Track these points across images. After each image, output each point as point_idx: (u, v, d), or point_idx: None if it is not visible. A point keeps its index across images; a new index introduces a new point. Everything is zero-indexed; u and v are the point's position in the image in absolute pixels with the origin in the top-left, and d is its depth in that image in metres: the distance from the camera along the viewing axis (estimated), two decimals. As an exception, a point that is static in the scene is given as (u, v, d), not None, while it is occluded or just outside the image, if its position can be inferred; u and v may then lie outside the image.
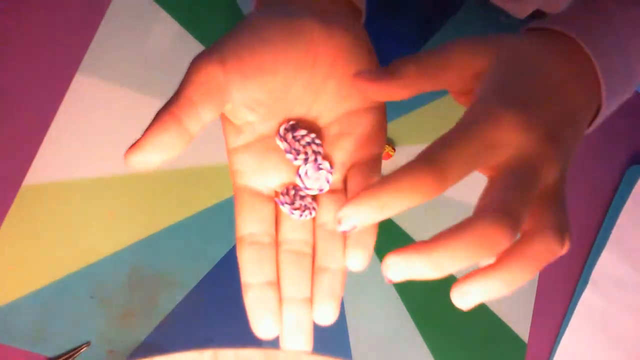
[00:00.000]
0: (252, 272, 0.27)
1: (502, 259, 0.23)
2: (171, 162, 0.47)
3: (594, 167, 0.53)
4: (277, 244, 0.29)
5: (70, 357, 0.42)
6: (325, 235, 0.28)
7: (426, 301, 0.46)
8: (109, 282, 0.44)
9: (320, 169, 0.29)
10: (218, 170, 0.47)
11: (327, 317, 0.27)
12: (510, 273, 0.22)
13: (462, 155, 0.23)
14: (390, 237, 0.47)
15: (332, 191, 0.30)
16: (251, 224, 0.28)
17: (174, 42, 0.50)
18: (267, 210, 0.29)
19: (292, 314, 0.27)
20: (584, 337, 0.48)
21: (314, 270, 0.28)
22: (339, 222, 0.24)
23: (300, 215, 0.28)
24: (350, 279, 0.47)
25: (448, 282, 0.50)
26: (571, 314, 0.48)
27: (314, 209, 0.29)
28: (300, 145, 0.29)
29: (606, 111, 0.30)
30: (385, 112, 0.31)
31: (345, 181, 0.30)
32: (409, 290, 0.47)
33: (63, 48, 0.48)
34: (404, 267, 0.22)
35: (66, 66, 0.48)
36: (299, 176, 0.29)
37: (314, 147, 0.29)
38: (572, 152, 0.26)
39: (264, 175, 0.29)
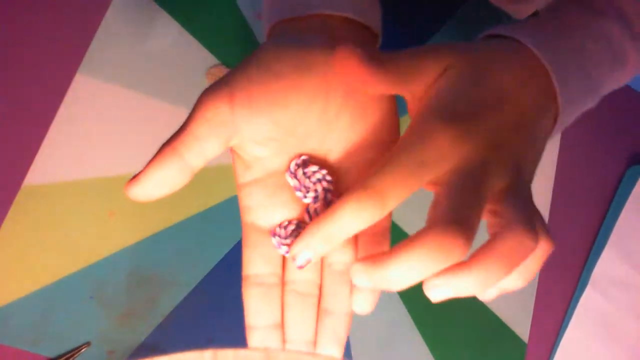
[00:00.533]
0: (257, 314, 0.27)
1: (473, 256, 0.22)
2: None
3: (594, 167, 0.53)
4: (283, 283, 0.28)
5: (70, 357, 0.42)
6: (333, 276, 0.28)
7: (426, 301, 0.46)
8: (109, 283, 0.44)
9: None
10: (218, 171, 0.47)
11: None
12: (481, 270, 0.22)
13: (398, 177, 0.23)
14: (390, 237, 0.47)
15: None
16: (258, 264, 0.28)
17: (174, 42, 0.50)
18: (275, 250, 0.28)
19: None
20: (584, 337, 0.48)
21: (319, 311, 0.28)
22: (293, 259, 0.24)
23: (287, 253, 0.28)
24: (350, 279, 0.47)
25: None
26: (571, 314, 0.48)
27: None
28: (311, 182, 0.28)
29: (566, 119, 0.29)
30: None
31: None
32: (409, 291, 0.47)
33: (63, 48, 0.48)
34: (364, 277, 0.22)
35: (66, 66, 0.48)
36: (307, 213, 0.28)
37: (325, 184, 0.28)
38: (524, 155, 0.26)
39: (272, 212, 0.28)
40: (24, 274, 0.43)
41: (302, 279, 0.28)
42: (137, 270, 0.44)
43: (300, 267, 0.25)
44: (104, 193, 0.46)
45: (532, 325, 0.47)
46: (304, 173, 0.28)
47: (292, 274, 0.28)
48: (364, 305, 0.27)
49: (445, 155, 0.24)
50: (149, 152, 0.50)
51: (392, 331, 0.46)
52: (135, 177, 0.25)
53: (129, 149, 0.47)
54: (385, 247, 0.28)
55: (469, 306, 0.47)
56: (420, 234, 0.22)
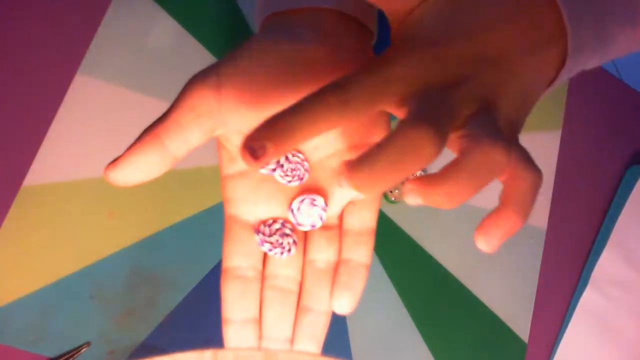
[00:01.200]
0: (234, 307, 0.26)
1: (442, 170, 0.22)
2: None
3: (594, 167, 0.53)
4: (263, 278, 0.28)
5: (70, 357, 0.42)
6: (314, 274, 0.28)
7: (426, 301, 0.46)
8: (109, 283, 0.44)
9: (314, 205, 0.28)
10: (218, 171, 0.47)
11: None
12: (450, 184, 0.21)
13: (364, 86, 0.22)
14: (390, 237, 0.47)
15: (325, 227, 0.29)
16: (237, 257, 0.27)
17: (174, 42, 0.50)
18: (255, 244, 0.28)
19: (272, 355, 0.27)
20: (584, 337, 0.48)
21: (298, 308, 0.27)
22: (246, 146, 0.21)
23: (270, 250, 0.27)
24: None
25: (448, 282, 0.50)
26: (571, 314, 0.48)
27: (288, 250, 0.28)
28: (293, 165, 0.28)
29: (572, 66, 0.26)
30: None
31: (341, 217, 0.29)
32: (409, 290, 0.47)
33: (63, 48, 0.48)
34: (348, 178, 0.21)
35: (66, 66, 0.48)
36: (291, 211, 0.28)
37: (306, 165, 0.28)
38: (499, 90, 0.24)
39: (255, 206, 0.28)
40: (24, 274, 0.43)
41: (282, 274, 0.28)
42: (137, 270, 0.44)
43: (255, 158, 0.21)
44: (104, 193, 0.46)
45: (532, 325, 0.47)
46: (287, 158, 0.28)
47: (273, 269, 0.28)
48: (344, 305, 0.26)
49: (410, 77, 0.23)
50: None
51: (392, 331, 0.46)
52: (115, 160, 0.25)
53: (129, 149, 0.47)
54: (369, 247, 0.28)
55: (469, 306, 0.47)
56: (392, 134, 0.21)
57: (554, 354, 0.47)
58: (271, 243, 0.27)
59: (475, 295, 0.47)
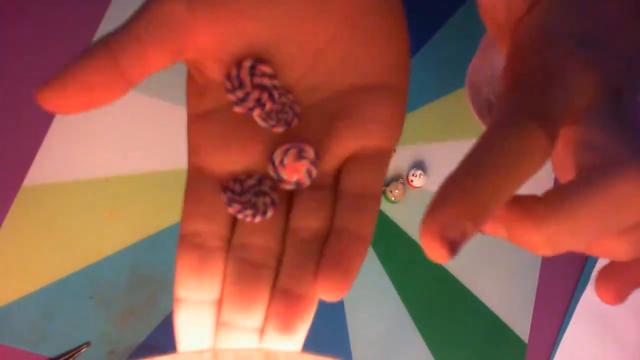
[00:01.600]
0: (189, 284, 0.20)
1: (547, 199, 0.16)
2: (171, 163, 0.47)
3: (594, 167, 0.53)
4: (230, 248, 0.22)
5: (70, 357, 0.42)
6: (296, 246, 0.21)
7: (426, 301, 0.46)
8: (109, 283, 0.44)
9: (302, 157, 0.22)
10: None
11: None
12: (564, 218, 0.15)
13: (569, 99, 0.17)
14: (390, 237, 0.47)
15: (315, 187, 0.22)
16: (198, 220, 0.21)
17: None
18: (223, 205, 0.22)
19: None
20: (584, 337, 0.48)
21: (273, 290, 0.21)
22: (440, 236, 0.15)
23: (238, 212, 0.21)
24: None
25: (448, 282, 0.50)
26: (571, 314, 0.48)
27: (263, 213, 0.22)
28: (253, 83, 0.21)
29: None
30: (406, 96, 0.23)
31: (337, 177, 0.22)
32: (409, 290, 0.47)
33: (63, 48, 0.48)
34: (538, 228, 0.16)
35: (66, 66, 0.48)
36: (272, 164, 0.22)
37: (267, 81, 0.22)
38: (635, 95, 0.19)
39: (226, 155, 0.22)
40: (24, 274, 0.43)
41: (254, 244, 0.21)
42: (137, 270, 0.44)
43: (451, 249, 0.15)
44: (104, 193, 0.46)
45: (532, 325, 0.47)
46: (252, 72, 0.22)
47: (243, 237, 0.21)
48: (332, 289, 0.20)
49: (577, 86, 0.18)
50: (149, 152, 0.50)
51: (392, 331, 0.46)
52: (52, 79, 0.19)
53: (128, 149, 0.47)
54: (372, 217, 0.21)
55: (469, 306, 0.47)
56: (597, 175, 0.15)
57: (554, 354, 0.47)
58: (241, 203, 0.21)
59: (475, 295, 0.47)
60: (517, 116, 0.16)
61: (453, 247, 0.15)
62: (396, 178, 0.48)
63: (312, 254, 0.21)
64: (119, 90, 0.20)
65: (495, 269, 0.48)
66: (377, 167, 0.22)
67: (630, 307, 0.49)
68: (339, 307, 0.45)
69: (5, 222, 0.44)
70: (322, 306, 0.48)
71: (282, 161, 0.22)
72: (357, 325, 0.45)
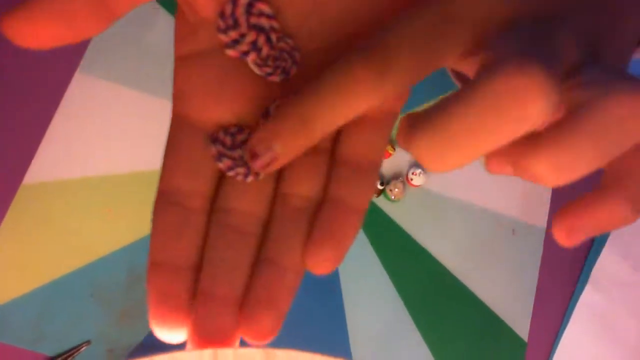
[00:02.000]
0: (165, 246, 0.18)
1: (551, 131, 0.15)
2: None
3: (594, 167, 0.53)
4: (213, 210, 0.20)
5: (70, 356, 0.42)
6: (286, 213, 0.19)
7: (426, 300, 0.46)
8: (109, 281, 0.44)
9: None
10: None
11: (260, 333, 0.18)
12: (566, 148, 0.14)
13: (414, 35, 0.16)
14: (390, 236, 0.47)
15: (311, 151, 0.19)
16: (180, 175, 0.19)
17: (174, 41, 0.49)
18: (209, 159, 0.19)
19: (209, 319, 0.18)
20: (584, 337, 0.48)
21: (257, 259, 0.19)
22: (251, 152, 0.16)
23: (229, 169, 0.19)
24: (350, 277, 0.47)
25: (448, 281, 0.50)
26: (571, 314, 0.48)
27: (256, 173, 0.19)
28: (250, 23, 0.19)
29: None
30: None
31: (335, 140, 0.21)
32: (409, 289, 0.47)
33: (63, 47, 0.48)
34: (410, 141, 0.15)
35: (66, 64, 0.47)
36: (266, 118, 0.20)
37: (273, 36, 0.19)
38: (603, 36, 0.18)
39: (215, 103, 0.20)
40: (24, 273, 0.43)
41: (240, 209, 0.19)
42: (136, 268, 0.44)
43: (262, 167, 0.17)
44: (103, 191, 0.46)
45: (532, 325, 0.47)
46: (249, 11, 0.19)
47: (228, 200, 0.19)
48: (321, 260, 0.18)
49: (485, 8, 0.16)
50: (149, 150, 0.50)
51: (392, 330, 0.46)
52: (20, 6, 0.16)
53: (128, 147, 0.47)
54: (370, 188, 0.20)
55: (469, 305, 0.47)
56: (476, 79, 0.14)
57: (554, 353, 0.47)
58: (233, 159, 0.19)
59: (475, 294, 0.47)
60: (349, 51, 0.16)
61: (262, 164, 0.17)
62: (396, 177, 0.48)
63: (302, 223, 0.19)
64: (101, 22, 0.17)
65: (495, 268, 0.48)
66: (380, 131, 0.20)
67: (630, 307, 0.49)
68: (338, 306, 0.45)
69: (5, 221, 0.44)
70: (322, 306, 0.48)
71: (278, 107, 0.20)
72: (356, 323, 0.45)
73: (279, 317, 0.18)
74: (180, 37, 0.20)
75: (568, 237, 0.17)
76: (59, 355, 0.41)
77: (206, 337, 0.18)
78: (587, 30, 0.17)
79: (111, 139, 0.47)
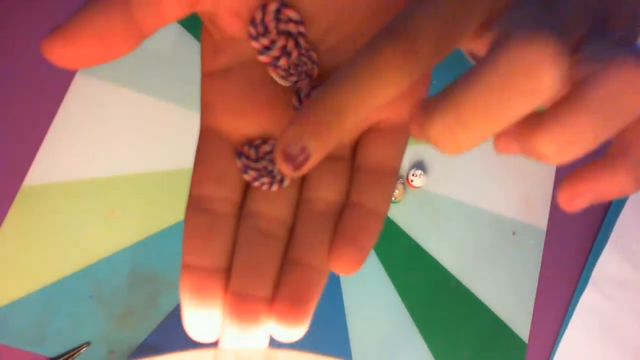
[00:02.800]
0: (198, 249, 0.19)
1: (552, 109, 0.15)
2: (171, 163, 0.47)
3: (594, 167, 0.53)
4: (241, 216, 0.21)
5: (70, 357, 0.42)
6: (310, 217, 0.20)
7: (426, 301, 0.46)
8: (109, 283, 0.44)
9: None
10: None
11: (290, 331, 0.19)
12: (568, 125, 0.15)
13: (434, 20, 0.16)
14: (390, 237, 0.47)
15: (332, 159, 0.21)
16: (210, 184, 0.20)
17: (174, 42, 0.49)
18: (235, 169, 0.21)
19: (240, 318, 0.19)
20: (584, 337, 0.48)
21: (284, 261, 0.20)
22: (282, 156, 0.17)
23: (254, 180, 0.20)
24: (350, 278, 0.47)
25: (448, 282, 0.50)
26: (571, 314, 0.48)
27: (280, 181, 0.21)
28: (279, 29, 0.20)
29: None
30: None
31: (354, 148, 0.22)
32: (409, 290, 0.47)
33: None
34: (422, 125, 0.16)
35: (66, 66, 0.48)
36: (297, 95, 0.21)
37: (301, 41, 0.20)
38: (610, 6, 0.18)
39: (240, 116, 0.21)
40: (24, 274, 0.43)
41: (267, 213, 0.20)
42: (137, 270, 0.44)
43: (296, 168, 0.17)
44: (104, 193, 0.46)
45: (532, 325, 0.47)
46: (278, 17, 0.20)
47: (255, 205, 0.20)
48: (345, 263, 0.19)
49: None
50: (149, 151, 0.50)
51: (392, 331, 0.46)
52: (58, 29, 0.17)
53: (129, 148, 0.47)
54: (388, 192, 0.21)
55: (469, 306, 0.47)
56: (486, 57, 0.14)
57: (554, 353, 0.47)
58: (257, 170, 0.20)
59: (475, 295, 0.47)
60: (374, 37, 0.16)
61: (296, 165, 0.16)
62: (396, 178, 0.48)
63: (326, 226, 0.20)
64: (132, 42, 0.18)
65: (496, 269, 0.48)
66: (396, 141, 0.21)
67: (631, 307, 0.49)
68: (339, 307, 0.45)
69: (5, 222, 0.44)
70: (322, 306, 0.48)
71: (308, 94, 0.21)
72: (357, 325, 0.45)
73: (307, 316, 0.19)
74: (206, 54, 0.21)
75: (570, 202, 0.17)
76: (59, 357, 0.41)
77: (237, 335, 0.19)
78: (596, 2, 0.17)
79: (112, 140, 0.47)
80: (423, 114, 0.15)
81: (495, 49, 0.14)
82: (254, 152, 0.21)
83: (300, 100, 0.21)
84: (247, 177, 0.20)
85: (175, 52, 0.49)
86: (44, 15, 0.49)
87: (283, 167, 0.17)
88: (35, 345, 0.42)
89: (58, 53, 0.17)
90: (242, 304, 0.19)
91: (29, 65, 0.47)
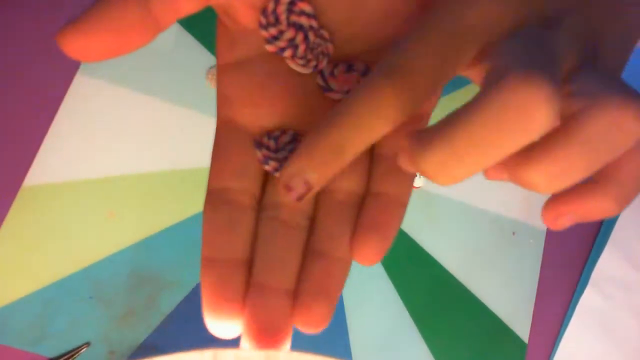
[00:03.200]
0: (216, 242, 0.19)
1: (543, 142, 0.15)
2: (171, 163, 0.47)
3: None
4: (261, 207, 0.21)
5: (70, 357, 0.42)
6: (332, 208, 0.20)
7: (426, 301, 0.46)
8: (109, 283, 0.44)
9: (352, 70, 0.21)
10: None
11: (315, 322, 0.18)
12: (558, 159, 0.15)
13: (430, 51, 0.17)
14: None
15: None
16: (229, 176, 0.20)
17: (174, 42, 0.49)
18: (254, 161, 0.21)
19: (264, 310, 0.18)
20: (584, 337, 0.48)
21: (306, 252, 0.20)
22: (285, 186, 0.17)
23: (275, 170, 0.20)
24: (350, 278, 0.47)
25: (448, 282, 0.50)
26: (571, 314, 0.48)
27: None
28: (290, 21, 0.20)
29: None
30: None
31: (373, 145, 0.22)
32: (409, 291, 0.47)
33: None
34: (414, 157, 0.16)
35: (66, 66, 0.48)
36: (321, 75, 0.21)
37: (310, 35, 0.20)
38: (601, 31, 0.18)
39: (258, 108, 0.21)
40: (24, 274, 0.43)
41: (287, 204, 0.20)
42: (137, 270, 0.44)
43: (298, 198, 0.18)
44: (104, 193, 0.46)
45: (532, 325, 0.47)
46: (290, 9, 0.20)
47: (275, 196, 0.20)
48: (369, 252, 0.19)
49: (491, 20, 0.17)
50: (149, 152, 0.50)
51: (392, 331, 0.46)
52: (74, 21, 0.17)
53: (128, 149, 0.47)
54: (409, 182, 0.21)
55: (469, 306, 0.47)
56: (486, 91, 0.14)
57: (554, 354, 0.47)
58: (278, 160, 0.20)
59: (475, 295, 0.47)
60: (372, 73, 0.17)
61: (299, 196, 0.18)
62: (396, 178, 0.48)
63: (347, 216, 0.20)
64: (148, 35, 0.18)
65: (496, 270, 0.48)
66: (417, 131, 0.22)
67: (631, 307, 0.49)
68: (339, 307, 0.45)
69: (5, 222, 0.44)
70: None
71: (332, 72, 0.21)
72: (357, 325, 0.45)
73: (332, 306, 0.19)
74: (222, 47, 0.21)
75: (554, 221, 0.18)
76: (59, 357, 0.41)
77: (262, 328, 0.18)
78: (587, 28, 0.18)
79: (112, 140, 0.47)
80: (416, 147, 0.15)
81: (491, 86, 0.14)
82: (274, 143, 0.21)
83: (325, 79, 0.21)
84: (268, 167, 0.20)
85: (175, 52, 0.49)
86: (44, 14, 0.49)
87: (286, 198, 0.18)
88: (35, 345, 0.42)
89: (74, 45, 0.17)
90: (265, 296, 0.18)
91: (29, 65, 0.47)
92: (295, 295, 0.19)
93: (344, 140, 0.17)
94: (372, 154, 0.21)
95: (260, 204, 0.21)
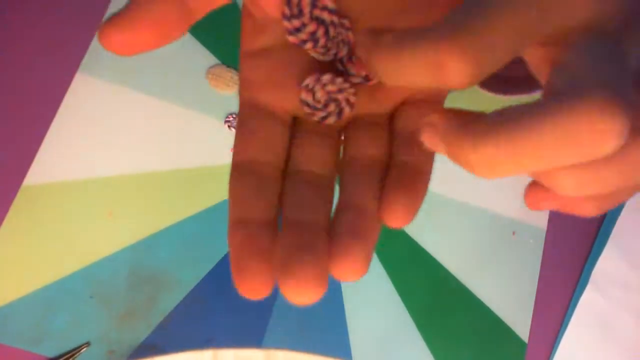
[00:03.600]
0: (244, 205, 0.19)
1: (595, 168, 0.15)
2: (171, 163, 0.47)
3: (594, 167, 0.53)
4: (286, 176, 0.21)
5: (70, 357, 0.42)
6: (357, 170, 0.20)
7: (426, 301, 0.46)
8: (109, 282, 0.44)
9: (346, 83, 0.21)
10: (218, 171, 0.47)
11: (353, 267, 0.17)
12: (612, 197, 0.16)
13: (506, 21, 0.15)
14: (390, 237, 0.47)
15: (370, 123, 0.22)
16: (253, 150, 0.20)
17: (174, 42, 0.49)
18: (278, 136, 0.21)
19: (300, 243, 0.17)
20: (584, 337, 0.48)
21: (335, 210, 0.19)
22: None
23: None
24: (350, 279, 0.47)
25: (448, 282, 0.50)
26: (571, 314, 0.48)
27: (351, 104, 0.21)
28: (312, 15, 0.21)
29: None
30: None
31: (391, 119, 0.22)
32: (409, 291, 0.47)
33: (63, 47, 0.48)
34: (466, 148, 0.15)
35: (66, 65, 0.47)
36: (340, 61, 0.21)
37: (331, 29, 0.21)
38: None
39: (280, 89, 0.21)
40: (24, 274, 0.43)
41: (312, 171, 0.20)
42: (137, 270, 0.44)
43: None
44: (104, 193, 0.46)
45: (532, 325, 0.47)
46: (313, 4, 0.20)
47: (299, 165, 0.20)
48: (399, 213, 0.18)
49: (576, 3, 0.16)
50: (149, 151, 0.50)
51: (392, 331, 0.46)
52: (114, 17, 0.18)
53: (128, 148, 0.47)
54: (432, 152, 0.20)
55: (469, 306, 0.47)
56: (557, 102, 0.14)
57: (554, 354, 0.47)
58: (316, 105, 0.21)
59: (475, 295, 0.47)
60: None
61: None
62: (396, 178, 0.48)
63: (374, 177, 0.20)
64: (184, 27, 0.19)
65: (495, 269, 0.48)
66: (433, 105, 0.22)
67: (630, 307, 0.49)
68: (339, 307, 0.45)
69: (5, 222, 0.44)
70: (323, 306, 0.48)
71: (351, 58, 0.21)
72: (357, 325, 0.45)
73: (369, 250, 0.18)
74: (246, 34, 0.22)
75: (534, 205, 0.18)
76: (59, 357, 0.41)
77: (297, 264, 0.17)
78: None
79: (112, 140, 0.47)
80: (464, 134, 0.15)
81: (566, 99, 0.14)
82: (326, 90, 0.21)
83: (343, 64, 0.21)
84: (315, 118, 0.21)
85: (175, 52, 0.49)
86: (44, 14, 0.49)
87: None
88: (35, 345, 0.42)
89: (115, 41, 0.17)
90: (300, 231, 0.18)
91: (29, 65, 0.47)
92: (331, 240, 0.18)
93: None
94: (391, 131, 0.21)
95: (285, 175, 0.21)
